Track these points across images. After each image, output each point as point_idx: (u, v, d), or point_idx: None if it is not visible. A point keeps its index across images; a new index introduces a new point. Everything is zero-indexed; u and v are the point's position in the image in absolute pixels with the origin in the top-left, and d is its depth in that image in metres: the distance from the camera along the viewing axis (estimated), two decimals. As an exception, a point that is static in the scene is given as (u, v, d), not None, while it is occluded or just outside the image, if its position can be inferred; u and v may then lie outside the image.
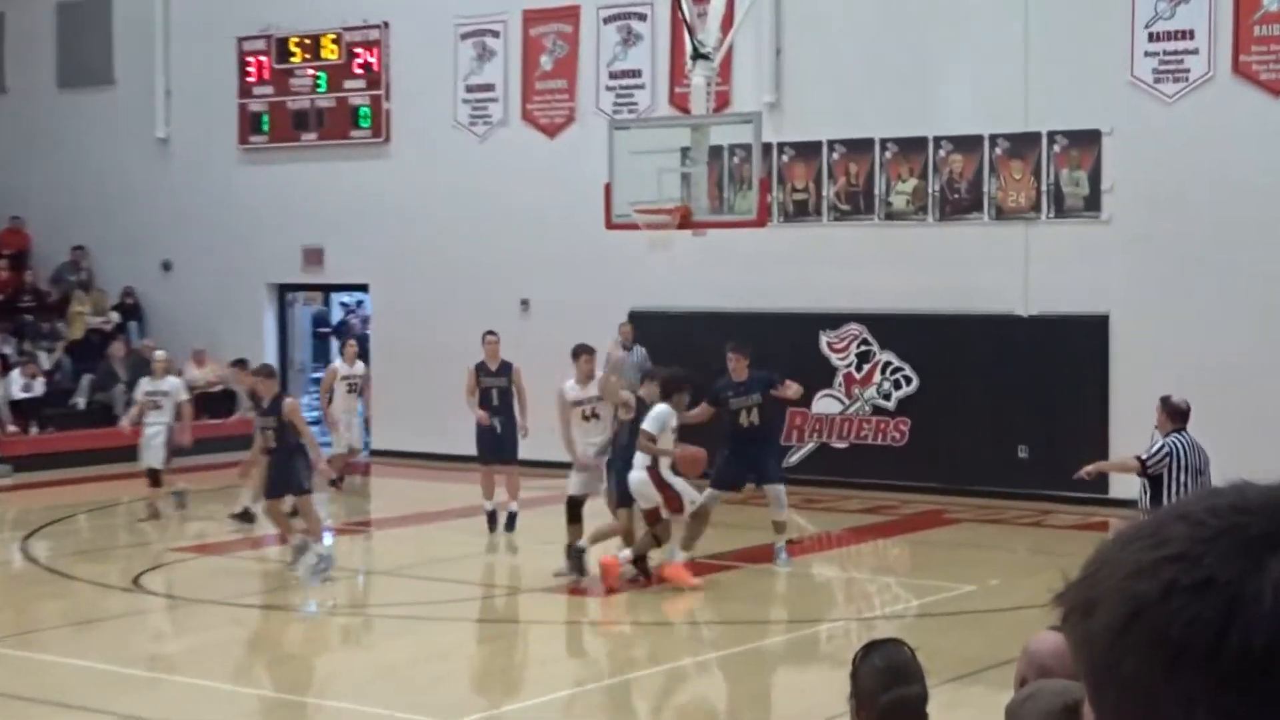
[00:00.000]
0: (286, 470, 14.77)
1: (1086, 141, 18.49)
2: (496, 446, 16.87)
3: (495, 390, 16.85)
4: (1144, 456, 11.01)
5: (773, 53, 20.30)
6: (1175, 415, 11.17)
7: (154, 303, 25.82)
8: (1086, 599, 1.18)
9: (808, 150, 20.16)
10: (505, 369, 17.06)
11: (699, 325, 19.81)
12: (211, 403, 24.74)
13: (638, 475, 13.53)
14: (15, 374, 22.96)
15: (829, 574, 15.68)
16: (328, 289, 26.51)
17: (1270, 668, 1.09)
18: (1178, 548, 1.15)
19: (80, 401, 22.99)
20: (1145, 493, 11.18)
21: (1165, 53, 18.05)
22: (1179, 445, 10.89)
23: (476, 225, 22.47)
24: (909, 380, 19.38)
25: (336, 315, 27.90)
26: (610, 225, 17.43)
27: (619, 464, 14.10)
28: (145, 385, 18.77)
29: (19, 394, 22.82)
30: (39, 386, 23.07)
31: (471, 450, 21.99)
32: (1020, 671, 5.29)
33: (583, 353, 15.70)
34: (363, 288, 24.76)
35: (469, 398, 16.92)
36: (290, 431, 14.84)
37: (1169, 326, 17.98)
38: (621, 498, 14.08)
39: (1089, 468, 11.73)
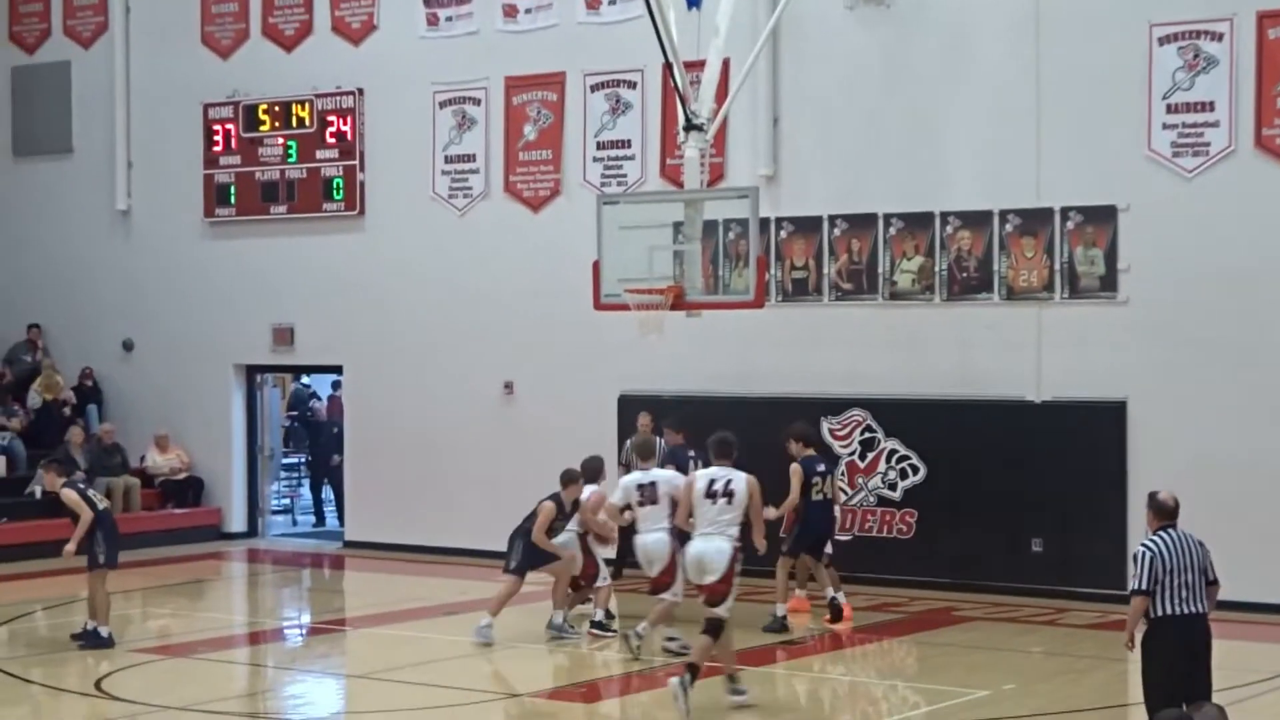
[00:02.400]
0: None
1: (1102, 218, 18.54)
2: None
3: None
4: (1135, 586, 10.79)
5: (769, 123, 20.39)
6: (1161, 513, 11.00)
7: (114, 384, 25.77)
8: None
9: (807, 226, 20.21)
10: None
11: (693, 411, 19.78)
12: (177, 489, 24.71)
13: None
14: (-34, 463, 22.90)
15: (833, 676, 15.56)
16: (298, 370, 26.47)
17: None
18: None
19: (37, 490, 22.84)
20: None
21: (1184, 125, 18.13)
22: (1161, 545, 10.70)
23: (457, 303, 22.50)
24: (915, 470, 19.33)
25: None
26: (599, 305, 17.47)
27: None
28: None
29: (-31, 482, 22.74)
30: (-5, 471, 23.01)
31: (447, 542, 22.08)
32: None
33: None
34: (336, 369, 24.71)
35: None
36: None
37: (1190, 413, 18.01)
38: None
39: (1126, 640, 11.38)
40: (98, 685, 14.56)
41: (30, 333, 26.17)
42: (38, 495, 22.22)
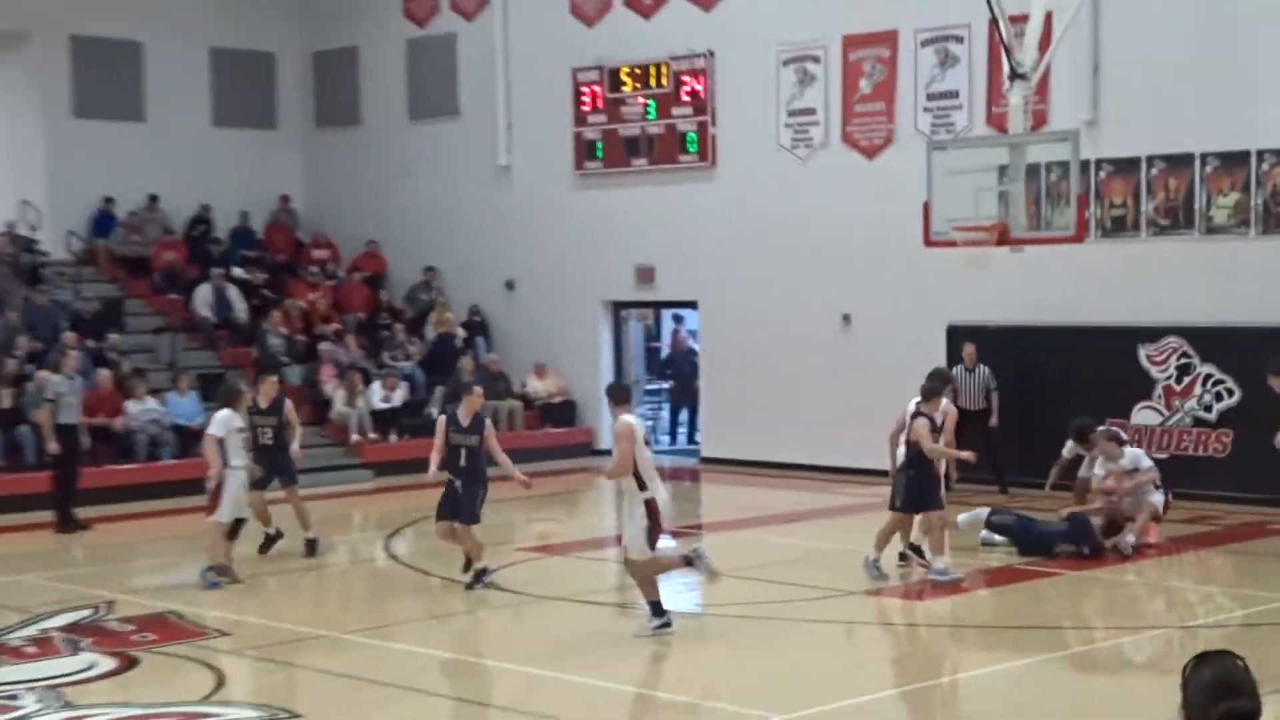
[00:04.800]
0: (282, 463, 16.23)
1: None
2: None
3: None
4: None
5: (1090, 71, 19.92)
6: None
7: (498, 319, 26.65)
8: None
9: (1126, 166, 19.71)
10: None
11: (1017, 340, 19.54)
12: (554, 411, 25.46)
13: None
14: (376, 386, 24.00)
15: (1150, 582, 15.30)
16: (659, 305, 26.91)
17: None
18: None
19: (433, 411, 23.82)
20: None
21: None
22: None
23: (799, 244, 22.60)
24: (1230, 393, 18.79)
25: (666, 333, 28.18)
26: (929, 242, 17.43)
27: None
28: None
29: (379, 404, 23.85)
30: (397, 398, 24.05)
31: (790, 458, 22.23)
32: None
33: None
34: (692, 304, 25.10)
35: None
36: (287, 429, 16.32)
37: None
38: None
39: None
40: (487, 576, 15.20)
41: (426, 274, 27.20)
42: (435, 415, 23.09)
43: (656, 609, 12.42)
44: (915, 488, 14.45)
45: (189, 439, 20.96)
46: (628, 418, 12.44)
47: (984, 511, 16.34)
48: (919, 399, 14.71)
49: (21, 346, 21.91)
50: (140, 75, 26.97)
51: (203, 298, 25.30)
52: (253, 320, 25.34)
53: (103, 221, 26.39)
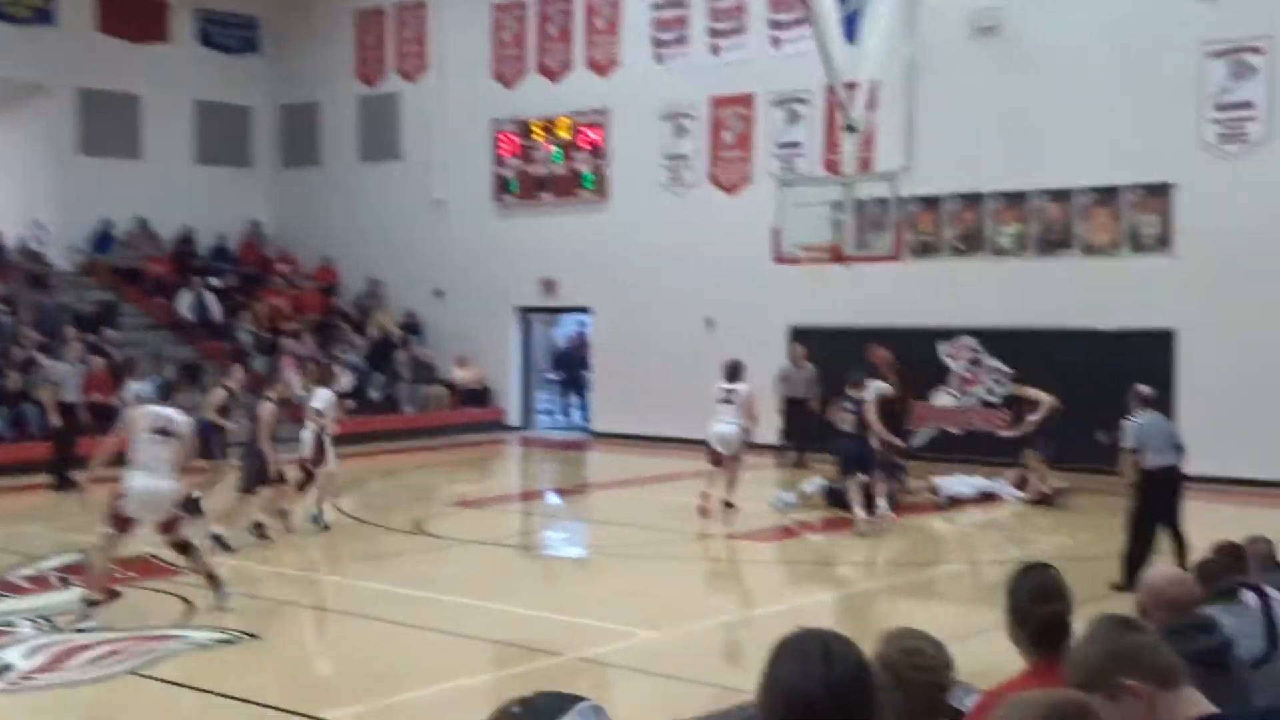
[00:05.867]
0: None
1: (1160, 192, 17.72)
2: None
3: None
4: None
5: (906, 126, 19.81)
6: (1143, 400, 11.61)
7: (429, 321, 26.10)
8: None
9: (932, 203, 19.65)
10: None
11: (846, 338, 19.32)
12: (473, 395, 24.99)
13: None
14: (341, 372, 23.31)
15: (949, 528, 15.12)
16: (559, 311, 26.53)
17: None
18: None
19: (374, 394, 23.28)
20: None
21: (1227, 119, 17.19)
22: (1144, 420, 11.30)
23: (674, 262, 22.33)
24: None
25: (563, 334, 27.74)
26: (778, 260, 17.23)
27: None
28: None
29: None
30: (346, 383, 23.34)
31: (663, 432, 21.95)
32: (1140, 602, 4.86)
33: None
34: (587, 310, 24.72)
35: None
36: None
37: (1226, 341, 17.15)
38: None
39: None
40: (418, 525, 14.74)
41: (371, 285, 26.57)
42: (375, 398, 22.53)
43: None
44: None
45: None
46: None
47: (820, 481, 16.07)
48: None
49: (29, 339, 20.96)
50: (137, 121, 26.06)
51: (185, 302, 24.46)
52: (227, 321, 24.53)
53: (102, 239, 25.44)
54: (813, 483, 16.03)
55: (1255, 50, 16.95)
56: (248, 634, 10.03)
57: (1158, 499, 11.15)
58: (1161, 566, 4.57)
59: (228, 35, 27.42)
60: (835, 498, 15.32)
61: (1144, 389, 11.63)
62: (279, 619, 10.81)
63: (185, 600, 10.99)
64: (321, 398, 14.40)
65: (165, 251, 25.98)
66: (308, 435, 14.25)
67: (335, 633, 10.52)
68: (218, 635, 9.94)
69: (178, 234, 26.45)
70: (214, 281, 25.41)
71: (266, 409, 13.59)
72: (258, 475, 13.50)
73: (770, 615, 10.89)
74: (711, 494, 15.12)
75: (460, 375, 25.12)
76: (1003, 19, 18.93)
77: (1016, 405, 16.53)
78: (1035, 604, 3.94)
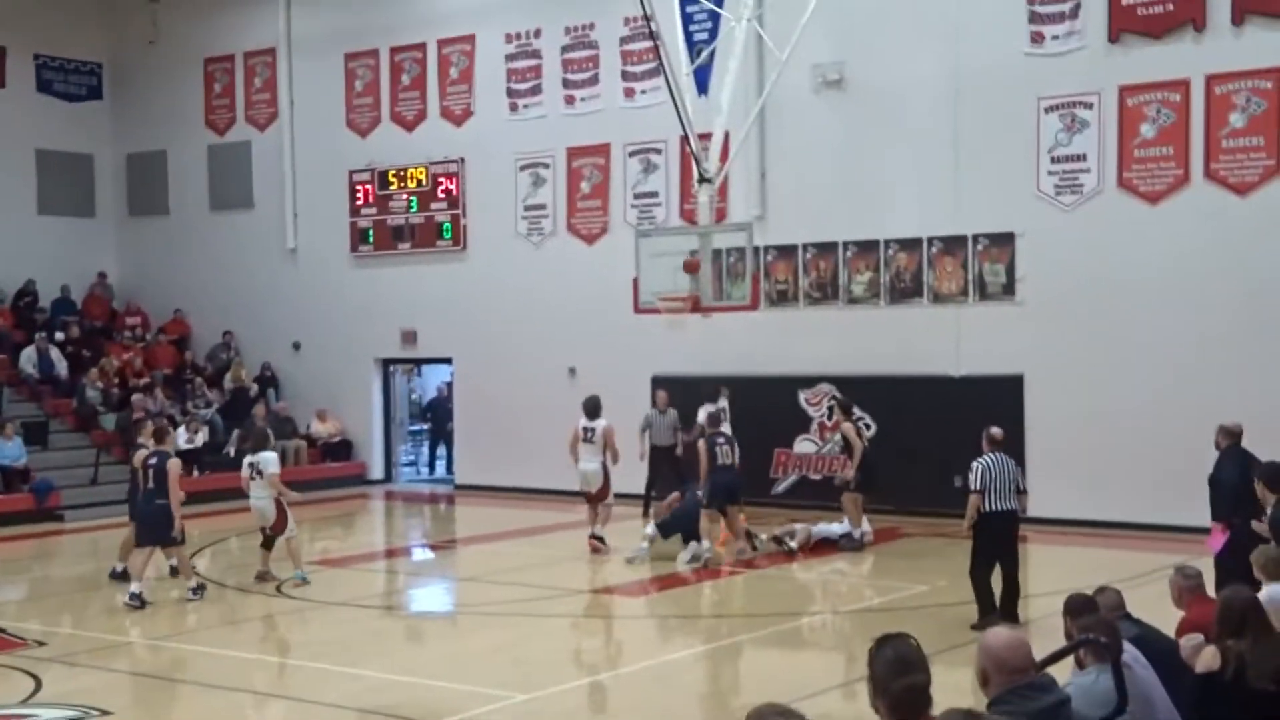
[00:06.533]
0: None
1: (1003, 241, 18.37)
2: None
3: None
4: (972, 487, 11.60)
5: (759, 176, 20.24)
6: (993, 442, 11.86)
7: (286, 374, 25.70)
8: None
9: (787, 251, 20.07)
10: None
11: (706, 386, 19.55)
12: (333, 449, 24.63)
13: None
14: (182, 430, 22.76)
15: (811, 576, 15.38)
16: (420, 362, 26.33)
17: None
18: None
19: (230, 450, 22.81)
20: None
21: (1064, 171, 17.93)
22: (989, 462, 11.58)
23: (534, 311, 22.38)
24: (869, 426, 19.12)
25: (426, 385, 27.53)
26: (637, 310, 17.38)
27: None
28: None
29: (184, 445, 22.57)
30: (200, 439, 22.89)
31: (528, 484, 21.91)
32: (980, 666, 4.99)
33: None
34: (448, 360, 24.60)
35: None
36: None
37: (1068, 384, 17.80)
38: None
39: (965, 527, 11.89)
40: (278, 589, 14.49)
41: (225, 337, 26.13)
42: (232, 454, 22.16)
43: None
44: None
45: (12, 476, 19.91)
46: None
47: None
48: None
49: None
50: (-29, 171, 25.29)
51: (27, 357, 23.71)
52: (72, 376, 23.83)
53: (-64, 294, 24.56)
54: (650, 526, 16.25)
55: (1085, 105, 17.73)
56: (100, 710, 9.74)
57: (995, 542, 11.57)
58: (999, 629, 4.75)
59: (67, 82, 26.80)
60: (665, 530, 15.88)
61: (996, 431, 12.04)
62: (133, 692, 10.52)
63: (33, 676, 10.63)
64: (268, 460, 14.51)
65: (4, 306, 25.16)
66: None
67: (191, 706, 10.26)
68: (70, 713, 9.64)
69: (18, 288, 25.66)
70: (59, 335, 24.68)
71: (174, 464, 13.69)
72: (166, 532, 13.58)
73: (639, 672, 10.95)
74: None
75: (320, 428, 24.77)
76: (846, 72, 19.48)
77: (846, 447, 16.85)
78: (893, 676, 4.07)
